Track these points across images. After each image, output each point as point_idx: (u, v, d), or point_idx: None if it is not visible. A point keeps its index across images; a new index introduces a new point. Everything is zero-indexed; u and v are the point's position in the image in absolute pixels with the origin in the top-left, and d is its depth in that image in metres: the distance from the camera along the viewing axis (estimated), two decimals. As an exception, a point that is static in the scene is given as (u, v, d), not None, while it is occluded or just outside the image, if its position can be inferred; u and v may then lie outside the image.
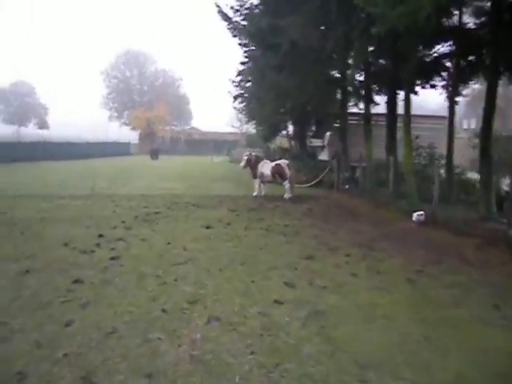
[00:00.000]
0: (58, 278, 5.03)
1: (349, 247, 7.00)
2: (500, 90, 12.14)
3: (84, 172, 18.09)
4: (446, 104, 11.43)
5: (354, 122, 19.64)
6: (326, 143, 23.20)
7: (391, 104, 12.21)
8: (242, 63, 24.06)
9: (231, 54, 70.52)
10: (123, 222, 8.65)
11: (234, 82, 25.67)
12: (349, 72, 11.89)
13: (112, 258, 5.89)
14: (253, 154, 14.01)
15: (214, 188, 15.49)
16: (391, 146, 12.16)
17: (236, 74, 25.19)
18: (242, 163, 13.79)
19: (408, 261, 6.27)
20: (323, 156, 21.40)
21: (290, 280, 5.20)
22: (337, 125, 18.77)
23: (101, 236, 7.25)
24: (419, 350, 3.55)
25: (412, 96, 13.23)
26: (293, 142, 28.39)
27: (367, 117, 13.70)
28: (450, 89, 11.59)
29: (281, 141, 30.04)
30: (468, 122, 51.11)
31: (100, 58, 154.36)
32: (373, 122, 18.93)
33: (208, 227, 8.32)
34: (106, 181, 16.51)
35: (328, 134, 19.88)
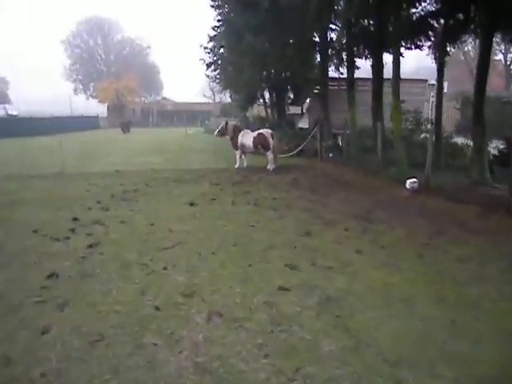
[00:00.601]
0: (29, 273, 4.40)
1: (345, 220, 6.59)
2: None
3: (51, 148, 16.87)
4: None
5: (335, 87, 19.09)
6: (305, 110, 22.64)
7: (377, 67, 11.66)
8: (215, 28, 22.80)
9: (201, 19, 67.83)
10: (98, 202, 7.96)
11: (205, 48, 24.39)
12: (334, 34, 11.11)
13: (90, 246, 5.26)
14: (230, 123, 13.33)
15: (193, 161, 14.78)
16: (378, 112, 11.68)
17: (208, 39, 23.94)
18: (216, 132, 13.22)
19: (410, 232, 5.91)
20: (302, 124, 20.87)
21: (291, 261, 4.74)
22: (316, 91, 18.12)
23: (75, 219, 6.57)
24: (449, 338, 3.17)
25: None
26: (269, 110, 27.61)
27: (350, 81, 13.14)
28: (436, 49, 11.11)
29: (258, 109, 29.17)
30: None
31: (60, 27, 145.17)
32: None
33: (192, 204, 7.74)
34: (75, 157, 15.51)
35: (307, 100, 19.24)
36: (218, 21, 21.94)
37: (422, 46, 11.47)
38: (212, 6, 17.06)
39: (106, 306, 3.61)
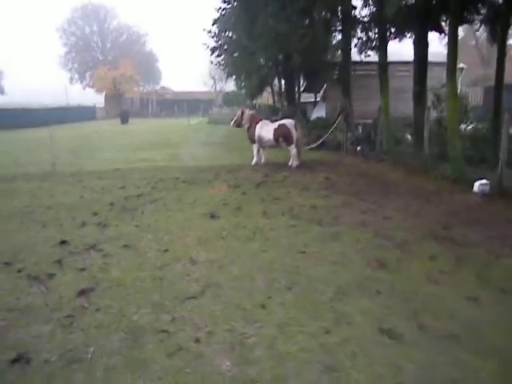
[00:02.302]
0: (-18, 354, 2.78)
1: (422, 241, 4.96)
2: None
3: (42, 142, 15.15)
4: None
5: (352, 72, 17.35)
6: (320, 98, 20.90)
7: (420, 46, 9.91)
8: (221, 9, 20.96)
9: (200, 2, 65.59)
10: (95, 213, 6.33)
11: (209, 32, 22.55)
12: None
13: (81, 292, 3.64)
14: (247, 111, 11.58)
15: (201, 156, 13.11)
16: (421, 97, 9.98)
17: (212, 22, 22.10)
18: (232, 122, 11.54)
19: (525, 263, 4.30)
20: (317, 113, 19.11)
21: (384, 321, 3.14)
22: (336, 76, 16.38)
23: (64, 243, 4.95)
24: None
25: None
26: (276, 98, 25.83)
27: (383, 64, 11.40)
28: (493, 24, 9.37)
29: (268, 97, 27.36)
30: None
31: (55, 13, 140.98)
32: (373, 72, 16.79)
33: (213, 216, 6.11)
34: (69, 153, 13.82)
35: (325, 86, 17.52)
36: (224, 1, 20.14)
37: (473, 20, 9.73)
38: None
39: None
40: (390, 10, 7.53)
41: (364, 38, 13.66)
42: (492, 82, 24.00)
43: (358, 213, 6.27)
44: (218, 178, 9.29)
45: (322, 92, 18.77)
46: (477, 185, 6.99)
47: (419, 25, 9.55)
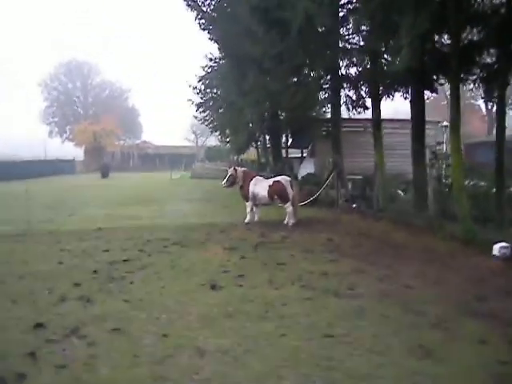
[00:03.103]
0: None
1: (459, 318, 4.33)
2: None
3: (17, 197, 14.20)
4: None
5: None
6: (306, 154, 20.86)
7: (418, 104, 9.86)
8: (206, 67, 21.40)
9: (183, 61, 67.79)
10: (76, 284, 5.48)
11: (194, 88, 22.86)
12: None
13: (61, 405, 2.80)
14: (239, 169, 11.13)
15: (190, 213, 12.44)
16: (419, 154, 9.78)
17: (198, 79, 22.51)
18: (224, 181, 10.91)
19: None
20: (306, 168, 18.91)
21: None
22: (324, 132, 16.38)
23: (38, 326, 4.09)
24: None
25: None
26: (261, 153, 25.77)
27: (377, 121, 11.33)
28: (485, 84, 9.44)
29: (248, 153, 27.30)
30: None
31: (37, 69, 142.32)
32: (360, 129, 16.98)
33: (214, 286, 5.37)
34: (46, 209, 12.93)
35: (312, 142, 17.50)
36: (210, 59, 20.65)
37: (467, 80, 9.82)
38: (211, 39, 15.34)
39: None
40: (398, 66, 7.39)
41: (353, 97, 13.73)
42: (470, 140, 24.71)
43: (374, 281, 5.64)
44: (211, 238, 8.60)
45: (309, 148, 18.75)
46: (497, 248, 6.51)
47: (413, 84, 9.55)
